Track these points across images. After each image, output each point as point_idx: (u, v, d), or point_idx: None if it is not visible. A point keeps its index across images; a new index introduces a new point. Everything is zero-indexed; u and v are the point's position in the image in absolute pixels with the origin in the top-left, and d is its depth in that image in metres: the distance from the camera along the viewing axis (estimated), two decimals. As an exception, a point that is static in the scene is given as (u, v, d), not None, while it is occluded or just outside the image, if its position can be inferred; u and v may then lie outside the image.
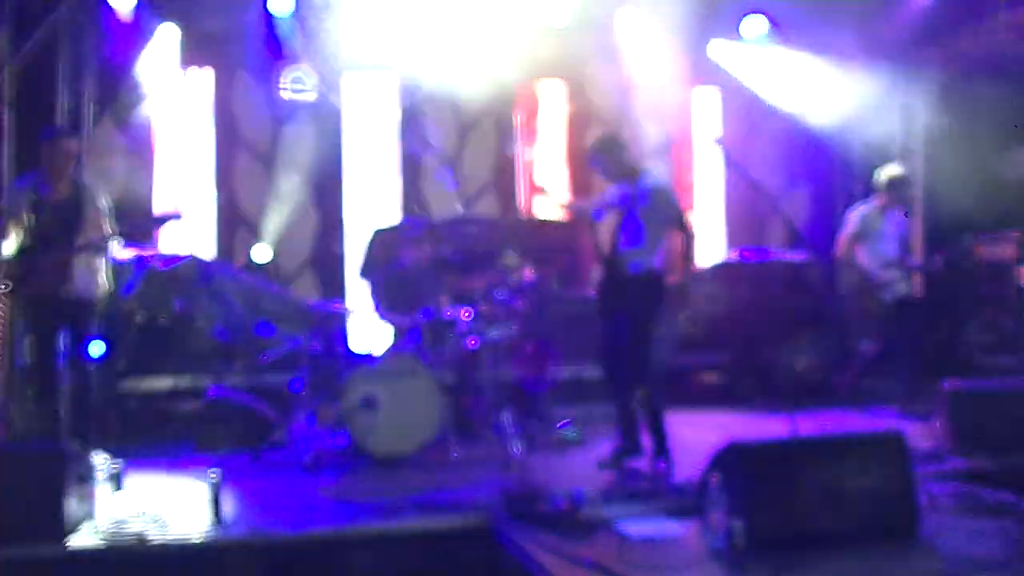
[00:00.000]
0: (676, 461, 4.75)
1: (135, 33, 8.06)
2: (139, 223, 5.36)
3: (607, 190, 4.97)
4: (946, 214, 6.97)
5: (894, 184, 6.36)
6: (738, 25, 9.33)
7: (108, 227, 5.01)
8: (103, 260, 5.04)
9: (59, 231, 4.80)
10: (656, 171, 4.90)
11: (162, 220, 5.09)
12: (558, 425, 5.95)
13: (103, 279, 5.04)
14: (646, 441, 4.91)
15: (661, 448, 4.76)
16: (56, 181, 4.89)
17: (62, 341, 5.09)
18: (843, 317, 7.61)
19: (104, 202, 5.05)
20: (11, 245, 4.89)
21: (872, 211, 6.38)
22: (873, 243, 6.29)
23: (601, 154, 4.91)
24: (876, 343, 6.35)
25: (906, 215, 6.44)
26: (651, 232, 4.65)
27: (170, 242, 8.12)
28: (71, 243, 4.80)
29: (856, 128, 9.76)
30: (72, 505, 3.53)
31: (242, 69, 8.87)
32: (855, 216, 6.43)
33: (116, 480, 3.90)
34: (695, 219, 4.71)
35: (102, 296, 5.04)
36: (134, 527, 3.52)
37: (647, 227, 4.63)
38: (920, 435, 5.05)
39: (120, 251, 6.47)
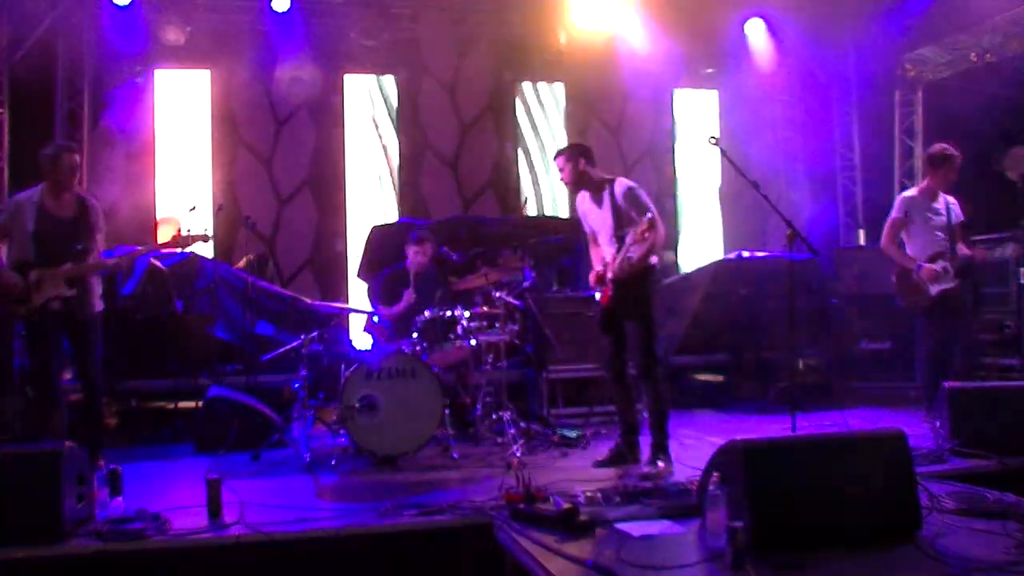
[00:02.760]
0: (676, 461, 4.76)
1: (134, 33, 8.06)
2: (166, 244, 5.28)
3: (582, 209, 5.03)
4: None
5: (937, 160, 5.82)
6: (737, 28, 9.36)
7: (101, 247, 5.03)
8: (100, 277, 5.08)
9: (64, 247, 4.80)
10: (620, 176, 4.89)
11: (189, 242, 4.99)
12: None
13: (101, 294, 5.06)
14: (644, 445, 4.94)
15: (662, 447, 4.77)
16: (59, 196, 4.87)
17: (68, 353, 5.11)
18: (844, 316, 7.63)
19: (102, 218, 5.07)
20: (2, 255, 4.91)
21: (919, 196, 5.89)
22: (920, 231, 5.83)
23: (575, 158, 4.90)
24: (925, 341, 5.89)
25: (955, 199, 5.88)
26: (636, 242, 4.65)
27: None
28: (79, 258, 4.81)
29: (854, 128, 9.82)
30: (71, 505, 3.53)
31: (242, 69, 8.87)
32: (899, 201, 5.93)
33: (116, 481, 3.89)
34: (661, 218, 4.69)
35: (99, 310, 5.05)
36: (134, 527, 3.51)
37: (629, 229, 4.66)
38: (923, 434, 5.06)
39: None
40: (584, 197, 5.02)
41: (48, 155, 4.86)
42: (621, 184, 4.83)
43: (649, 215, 4.51)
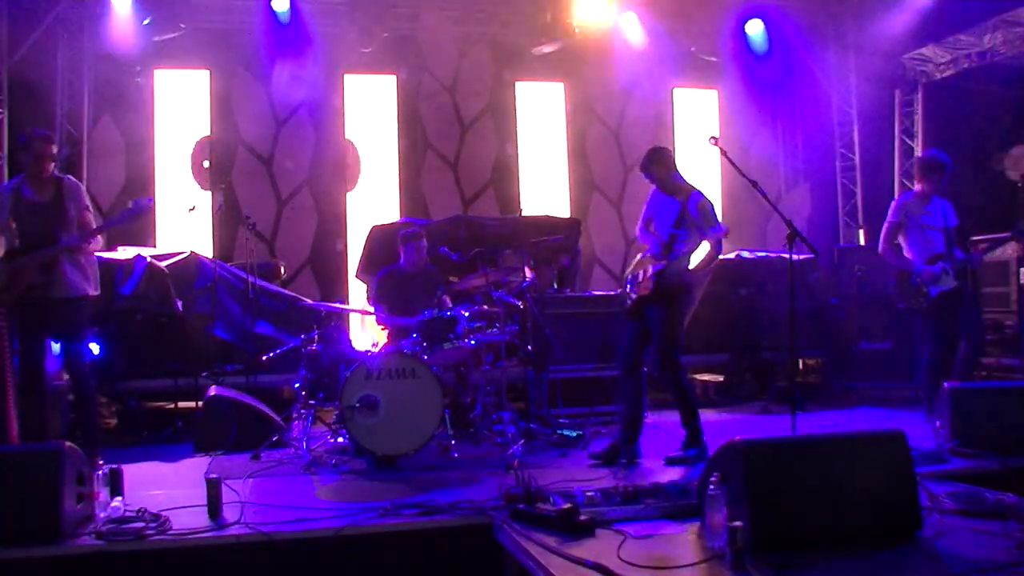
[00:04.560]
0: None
1: (134, 32, 8.06)
2: (114, 220, 5.34)
3: (653, 200, 5.21)
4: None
5: (929, 167, 5.89)
6: (737, 28, 9.37)
7: (92, 225, 5.02)
8: (89, 258, 5.03)
9: (43, 232, 4.81)
10: (698, 189, 5.07)
11: (136, 212, 5.03)
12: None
13: (91, 277, 5.02)
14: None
15: (695, 441, 4.97)
16: (37, 183, 4.90)
17: (53, 342, 5.09)
18: (845, 316, 7.63)
19: (88, 200, 5.06)
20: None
21: (913, 200, 5.97)
22: (917, 234, 5.88)
23: (655, 167, 5.07)
24: (925, 342, 5.92)
25: (949, 202, 5.93)
26: (692, 242, 4.93)
27: (170, 242, 8.13)
28: (55, 243, 4.81)
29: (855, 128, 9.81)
30: (71, 505, 3.53)
31: (242, 69, 8.87)
32: (895, 205, 6.00)
33: (116, 481, 3.89)
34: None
35: (91, 295, 5.01)
36: (134, 527, 3.51)
37: (690, 238, 4.90)
38: (923, 434, 5.06)
39: (118, 251, 6.50)
40: (657, 191, 5.20)
41: (21, 143, 4.94)
42: (699, 195, 4.99)
43: (721, 235, 4.86)
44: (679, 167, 5.12)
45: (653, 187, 5.20)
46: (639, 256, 5.20)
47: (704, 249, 5.01)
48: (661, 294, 4.93)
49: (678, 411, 5.04)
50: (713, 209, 4.96)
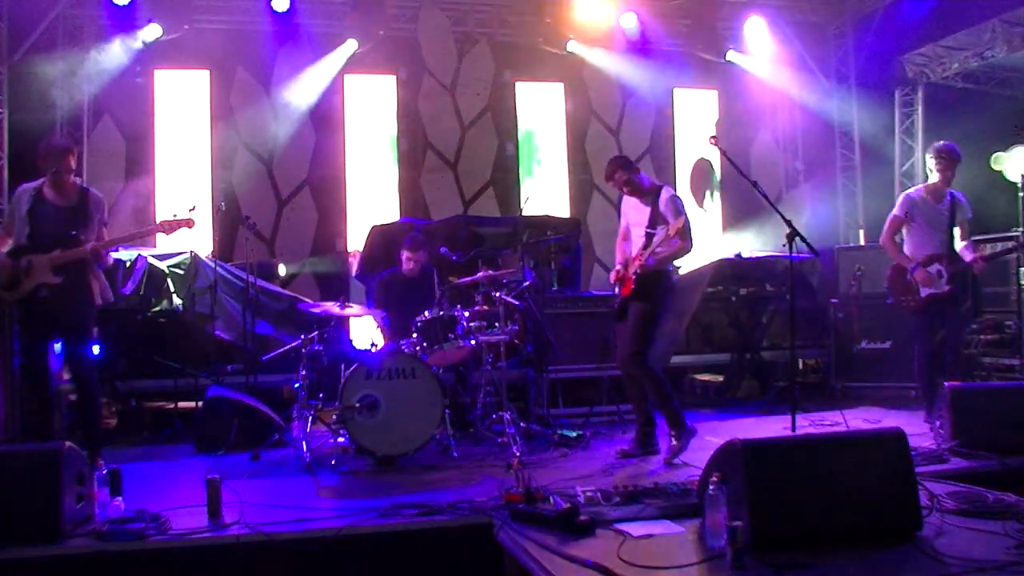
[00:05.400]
0: (678, 459, 4.88)
1: (134, 32, 8.06)
2: (149, 229, 5.19)
3: (625, 208, 5.34)
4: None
5: (940, 157, 5.69)
6: (737, 28, 9.37)
7: (106, 235, 4.99)
8: (97, 266, 5.00)
9: (59, 234, 4.75)
10: (668, 185, 5.22)
11: (174, 227, 5.00)
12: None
13: (99, 284, 4.99)
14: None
15: (674, 423, 5.03)
16: (60, 187, 4.82)
17: (60, 344, 5.07)
18: (845, 316, 7.63)
19: (107, 211, 5.03)
20: (4, 246, 4.85)
21: (924, 195, 5.80)
22: (920, 232, 5.77)
23: (621, 172, 5.16)
24: (919, 339, 5.88)
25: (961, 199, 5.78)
26: (665, 240, 4.93)
27: (170, 241, 8.12)
28: (75, 247, 4.75)
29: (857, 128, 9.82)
30: (71, 505, 3.53)
31: (242, 69, 8.87)
32: (903, 199, 5.85)
33: (116, 481, 3.89)
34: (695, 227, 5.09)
35: (98, 301, 4.98)
36: (134, 527, 3.51)
37: (663, 236, 4.92)
38: (923, 434, 5.07)
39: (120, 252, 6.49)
40: (630, 198, 5.30)
41: (47, 149, 4.82)
42: (667, 191, 5.12)
43: (681, 219, 4.87)
44: (642, 169, 5.27)
45: (623, 195, 5.30)
46: (617, 266, 5.32)
47: (697, 258, 5.10)
48: (642, 292, 5.03)
49: (654, 401, 5.10)
50: (681, 204, 5.04)
